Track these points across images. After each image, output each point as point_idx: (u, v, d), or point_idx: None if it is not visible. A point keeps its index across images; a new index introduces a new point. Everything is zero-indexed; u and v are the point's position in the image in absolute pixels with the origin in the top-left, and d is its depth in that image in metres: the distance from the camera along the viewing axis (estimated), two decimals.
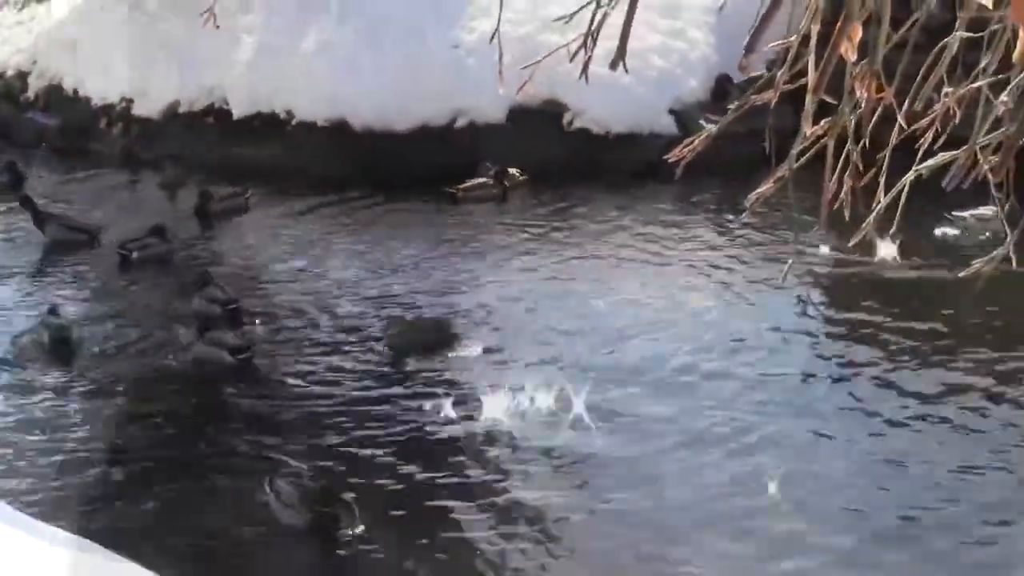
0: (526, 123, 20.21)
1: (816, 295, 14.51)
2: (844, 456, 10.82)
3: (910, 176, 3.19)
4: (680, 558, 9.29)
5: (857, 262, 14.89)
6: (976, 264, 3.50)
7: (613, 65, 3.04)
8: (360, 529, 9.49)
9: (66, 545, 8.45)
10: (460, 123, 20.56)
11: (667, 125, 19.66)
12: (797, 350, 13.10)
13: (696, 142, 3.44)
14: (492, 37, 3.66)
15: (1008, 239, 3.72)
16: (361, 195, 19.41)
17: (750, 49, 2.87)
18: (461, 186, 19.04)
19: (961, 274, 3.57)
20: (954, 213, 15.79)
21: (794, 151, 3.07)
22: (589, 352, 13.15)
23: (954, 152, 3.12)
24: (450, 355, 13.18)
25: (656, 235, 17.01)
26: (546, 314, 14.29)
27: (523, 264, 16.20)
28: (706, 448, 10.95)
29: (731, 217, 17.14)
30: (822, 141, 3.37)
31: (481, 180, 19.19)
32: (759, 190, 3.37)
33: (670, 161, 3.58)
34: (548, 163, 19.37)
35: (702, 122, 4.19)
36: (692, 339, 13.40)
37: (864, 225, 3.14)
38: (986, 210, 15.32)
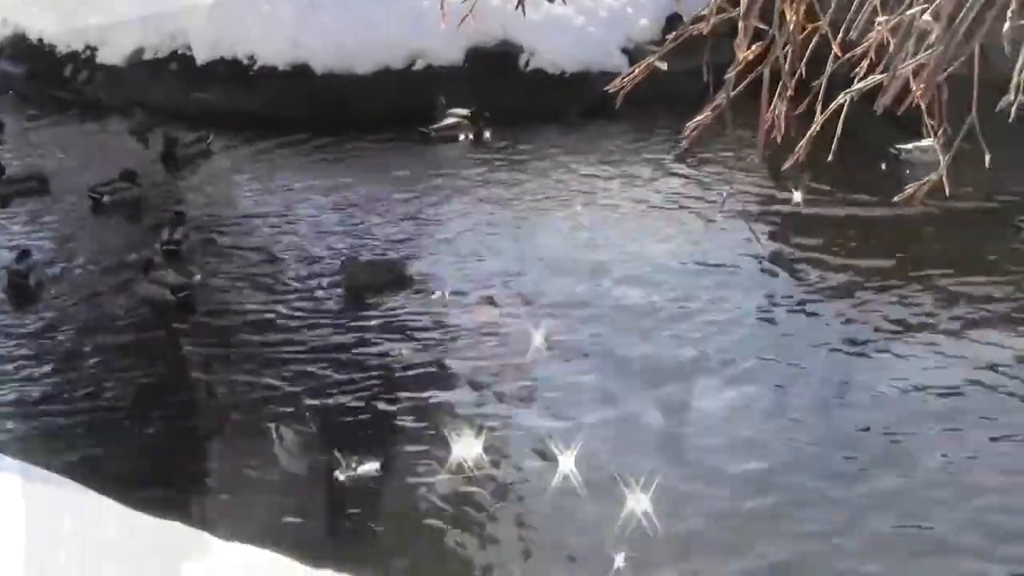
0: (483, 65, 20.15)
1: (761, 228, 14.52)
2: (804, 386, 10.82)
3: (840, 100, 3.16)
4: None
5: (802, 198, 14.97)
6: (909, 189, 3.48)
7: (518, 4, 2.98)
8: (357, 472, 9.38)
9: (32, 479, 8.38)
10: (418, 66, 20.47)
11: (619, 63, 19.56)
12: (742, 281, 13.08)
13: (636, 72, 3.40)
14: None
15: (941, 165, 3.69)
16: (322, 137, 19.29)
17: None
18: (434, 126, 18.98)
19: (895, 199, 3.55)
20: (897, 146, 15.78)
21: (728, 76, 3.04)
22: (545, 287, 13.10)
23: (878, 76, 3.08)
24: (405, 295, 13.13)
25: (608, 171, 17.00)
26: (505, 251, 14.26)
27: (483, 203, 16.14)
28: (665, 378, 10.94)
29: (685, 152, 17.11)
30: (757, 69, 3.34)
31: (454, 120, 19.10)
32: (697, 119, 3.35)
33: (610, 92, 3.54)
34: (505, 103, 19.28)
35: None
36: (647, 272, 13.39)
37: (796, 148, 3.11)
38: (927, 141, 15.34)
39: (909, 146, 15.71)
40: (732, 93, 3.25)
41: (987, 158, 3.57)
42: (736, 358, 11.19)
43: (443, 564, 8.40)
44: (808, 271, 13.14)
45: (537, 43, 19.85)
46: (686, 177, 16.44)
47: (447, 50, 20.14)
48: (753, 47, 3.05)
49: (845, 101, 3.11)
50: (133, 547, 5.44)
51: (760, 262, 13.47)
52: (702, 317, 12.13)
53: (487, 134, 18.98)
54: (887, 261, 13.25)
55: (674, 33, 3.44)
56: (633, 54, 19.57)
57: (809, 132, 3.11)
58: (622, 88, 3.50)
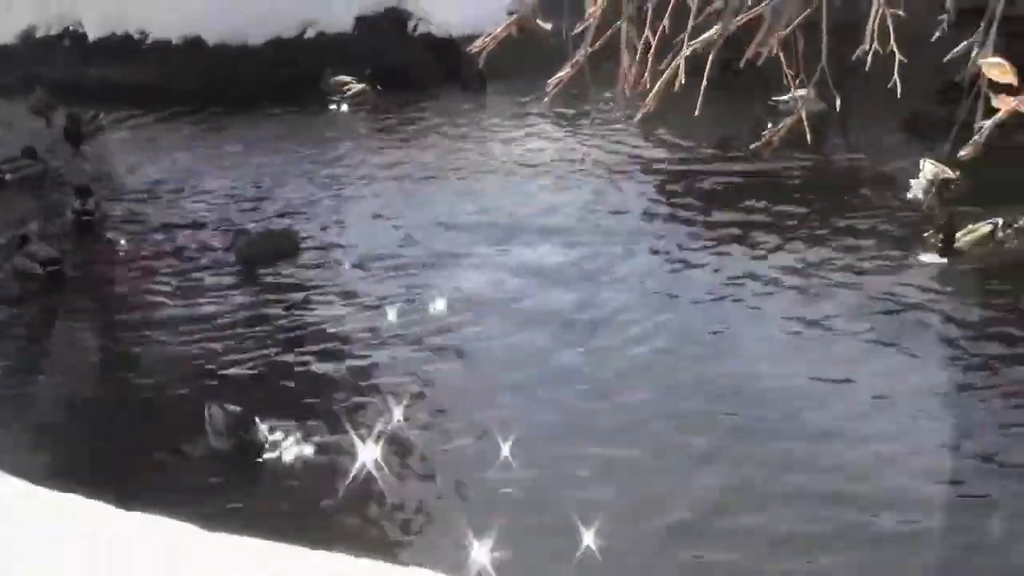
0: (373, 31, 20.01)
1: (632, 184, 14.59)
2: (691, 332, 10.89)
3: (685, 53, 3.18)
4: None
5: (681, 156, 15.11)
6: (765, 135, 3.52)
7: None
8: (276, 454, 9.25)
9: None
10: (309, 34, 20.27)
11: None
12: (619, 230, 13.18)
13: (498, 32, 3.40)
14: None
15: (797, 110, 3.74)
16: (217, 108, 19.05)
17: None
18: (344, 94, 18.86)
19: (752, 146, 3.59)
20: (774, 98, 15.86)
21: (578, 30, 3.05)
22: (433, 248, 13.04)
23: (712, 31, 3.11)
24: (299, 262, 13.00)
25: (495, 131, 17.01)
26: (404, 216, 14.17)
27: (379, 168, 16.04)
28: (565, 329, 10.97)
29: (568, 111, 17.15)
30: (616, 25, 3.35)
31: (360, 87, 18.92)
32: (558, 75, 3.35)
33: (472, 52, 3.54)
34: (396, 68, 19.19)
35: (538, 20, 4.12)
36: (535, 224, 13.44)
37: (647, 100, 3.13)
38: (802, 91, 15.47)
39: (785, 97, 15.73)
40: (590, 49, 3.26)
41: (838, 102, 3.61)
42: (619, 309, 11.26)
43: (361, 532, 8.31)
44: (680, 226, 13.20)
45: (425, 8, 19.78)
46: (569, 135, 16.46)
47: (337, 18, 19.97)
48: (599, 1, 3.06)
49: (682, 57, 3.13)
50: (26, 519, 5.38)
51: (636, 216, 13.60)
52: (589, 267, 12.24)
53: (380, 100, 18.87)
54: (758, 216, 13.35)
55: None
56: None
57: (657, 85, 3.12)
58: (484, 48, 3.50)
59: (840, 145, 15.24)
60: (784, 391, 9.48)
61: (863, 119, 14.87)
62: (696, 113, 4.42)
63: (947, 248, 11.60)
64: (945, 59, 3.37)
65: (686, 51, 3.06)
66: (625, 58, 2.84)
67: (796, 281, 11.49)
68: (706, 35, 3.04)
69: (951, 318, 10.49)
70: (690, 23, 3.80)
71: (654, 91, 3.06)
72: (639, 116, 3.27)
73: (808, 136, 4.11)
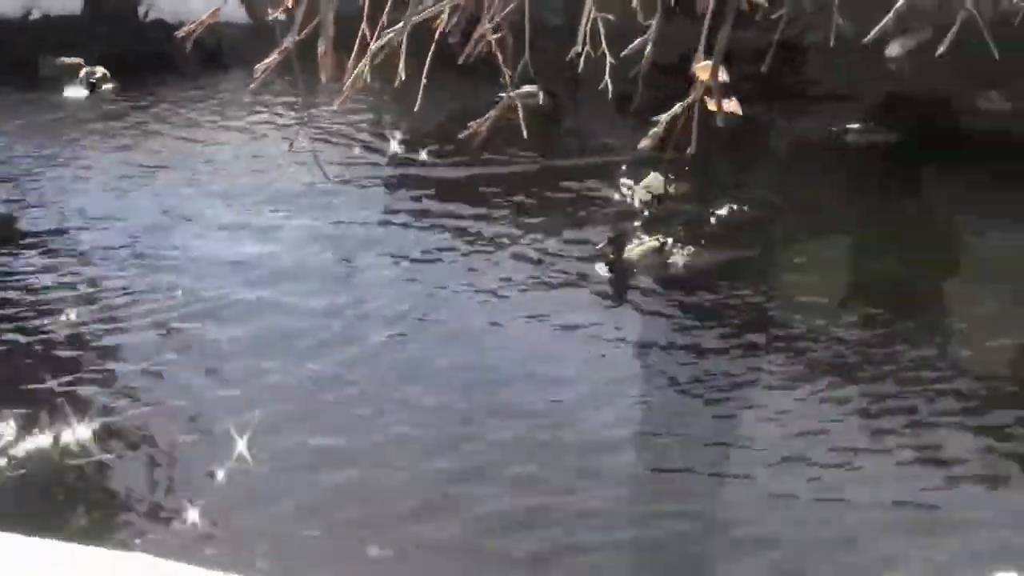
0: (101, 15, 19.35)
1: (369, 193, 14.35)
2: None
3: (376, 46, 3.15)
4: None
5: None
6: (472, 125, 3.54)
7: None
8: None
9: None
10: (35, 15, 19.46)
11: (240, 15, 19.17)
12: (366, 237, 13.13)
13: (204, 19, 3.31)
14: None
15: (502, 101, 3.76)
16: None
17: None
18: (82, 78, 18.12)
19: (461, 135, 3.60)
20: (500, 95, 15.97)
21: (273, 17, 2.99)
22: (177, 244, 12.67)
23: (397, 27, 3.09)
24: (15, 250, 12.38)
25: (227, 122, 16.69)
26: (134, 204, 13.71)
27: (106, 156, 15.52)
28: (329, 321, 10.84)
29: (293, 100, 16.88)
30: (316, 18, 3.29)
31: (102, 71, 18.20)
32: (264, 62, 3.28)
33: (179, 37, 3.44)
34: (128, 54, 18.60)
35: (270, 10, 4.02)
36: (271, 221, 13.25)
37: (344, 88, 3.09)
38: (530, 87, 15.75)
39: (512, 94, 15.90)
40: (297, 37, 3.19)
41: (541, 96, 3.65)
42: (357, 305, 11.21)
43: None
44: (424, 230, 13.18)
45: None
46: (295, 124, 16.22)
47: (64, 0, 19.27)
48: None
49: (370, 52, 3.10)
50: None
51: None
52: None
53: (108, 85, 18.24)
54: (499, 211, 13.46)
55: None
56: (252, 3, 19.16)
57: (351, 75, 3.08)
58: (193, 32, 3.40)
59: (566, 146, 15.37)
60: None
61: (592, 119, 15.15)
62: (416, 108, 4.43)
63: (617, 261, 11.64)
64: (621, 54, 3.44)
65: (383, 42, 3.03)
66: (321, 44, 2.80)
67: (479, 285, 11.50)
68: (396, 27, 3.01)
69: (617, 332, 10.52)
70: (385, 15, 3.78)
71: (347, 82, 3.02)
72: (337, 104, 3.23)
73: (524, 131, 4.16)
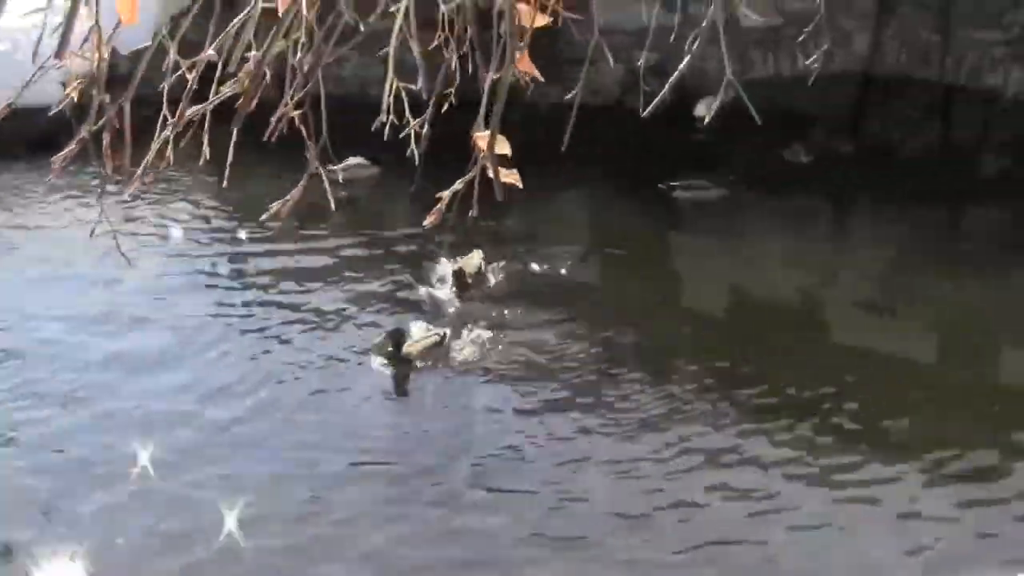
0: None
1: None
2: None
3: (190, 113, 3.11)
4: None
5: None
6: (274, 206, 3.50)
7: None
8: None
9: None
10: None
11: (57, 96, 18.60)
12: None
13: (68, 91, 3.25)
14: None
15: (297, 189, 3.72)
16: None
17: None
18: None
19: (262, 217, 3.57)
20: (331, 167, 15.83)
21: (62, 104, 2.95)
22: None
23: (201, 106, 3.06)
24: None
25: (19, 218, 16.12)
26: None
27: None
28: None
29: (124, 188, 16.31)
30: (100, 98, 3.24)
31: None
32: (64, 152, 3.21)
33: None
34: None
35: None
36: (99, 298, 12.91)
37: (138, 173, 3.03)
38: (357, 159, 15.69)
39: (339, 167, 15.45)
40: (95, 128, 3.14)
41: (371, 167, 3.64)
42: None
43: None
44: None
45: None
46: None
47: None
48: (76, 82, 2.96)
49: (158, 141, 3.07)
50: None
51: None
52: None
53: None
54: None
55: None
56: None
57: (144, 163, 3.04)
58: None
59: (391, 220, 15.19)
60: None
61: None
62: (224, 185, 4.37)
63: (395, 355, 11.28)
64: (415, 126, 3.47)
65: (183, 122, 3.00)
66: (106, 137, 2.76)
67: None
68: (197, 107, 2.99)
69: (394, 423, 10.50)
70: (211, 97, 3.75)
71: (136, 175, 2.98)
72: (129, 191, 3.18)
73: (332, 205, 4.14)
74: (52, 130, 15.56)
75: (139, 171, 2.88)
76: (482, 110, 2.83)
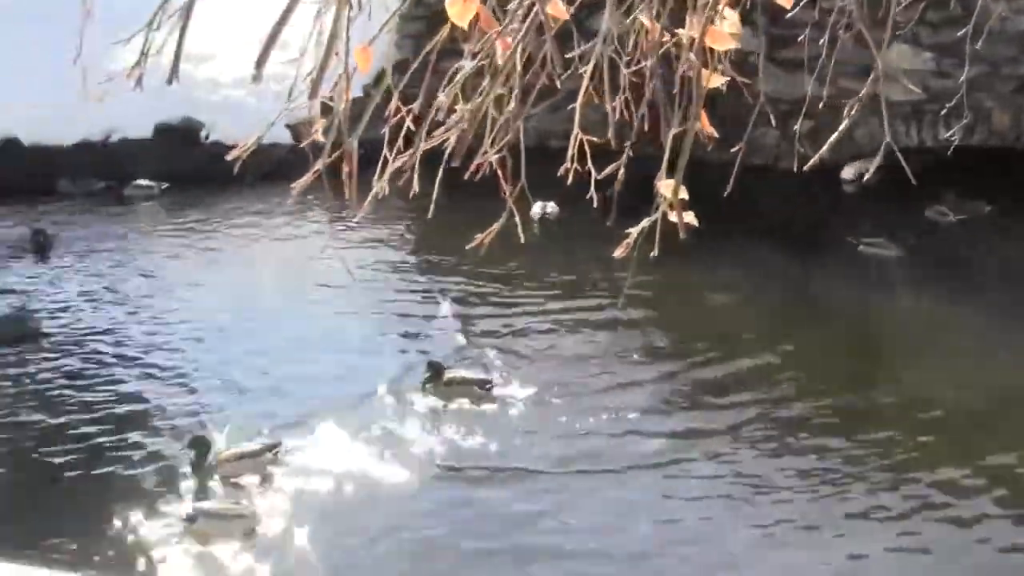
0: (169, 138, 19.62)
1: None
2: None
3: (394, 168, 3.24)
4: None
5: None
6: (479, 237, 3.61)
7: (169, 81, 2.97)
8: None
9: None
10: (114, 138, 19.71)
11: (284, 136, 19.29)
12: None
13: (246, 144, 3.42)
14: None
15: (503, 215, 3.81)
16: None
17: (259, 63, 2.85)
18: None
19: (468, 246, 3.68)
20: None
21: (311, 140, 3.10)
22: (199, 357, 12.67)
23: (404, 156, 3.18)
24: (33, 347, 12.22)
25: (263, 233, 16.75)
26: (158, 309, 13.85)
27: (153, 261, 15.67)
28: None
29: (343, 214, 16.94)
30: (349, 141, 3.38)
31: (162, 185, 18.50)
32: (300, 180, 3.38)
33: (228, 159, 3.54)
34: (188, 172, 18.82)
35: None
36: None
37: (365, 202, 3.17)
38: (546, 203, 15.77)
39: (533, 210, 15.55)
40: (327, 163, 3.29)
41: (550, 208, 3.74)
42: None
43: None
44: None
45: (216, 119, 19.56)
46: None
47: (138, 125, 19.49)
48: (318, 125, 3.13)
49: (394, 171, 3.20)
50: None
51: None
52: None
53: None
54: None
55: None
56: (295, 128, 19.33)
57: (372, 192, 3.18)
58: (240, 157, 3.51)
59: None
60: None
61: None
62: (429, 215, 4.49)
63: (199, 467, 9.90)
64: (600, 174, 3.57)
65: (398, 162, 3.13)
66: (346, 165, 2.90)
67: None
68: (409, 151, 3.11)
69: None
70: (420, 144, 3.89)
71: (368, 197, 3.12)
72: (359, 216, 3.33)
73: (522, 237, 4.25)
74: (279, 164, 16.35)
75: (368, 197, 3.02)
76: (664, 161, 2.90)
